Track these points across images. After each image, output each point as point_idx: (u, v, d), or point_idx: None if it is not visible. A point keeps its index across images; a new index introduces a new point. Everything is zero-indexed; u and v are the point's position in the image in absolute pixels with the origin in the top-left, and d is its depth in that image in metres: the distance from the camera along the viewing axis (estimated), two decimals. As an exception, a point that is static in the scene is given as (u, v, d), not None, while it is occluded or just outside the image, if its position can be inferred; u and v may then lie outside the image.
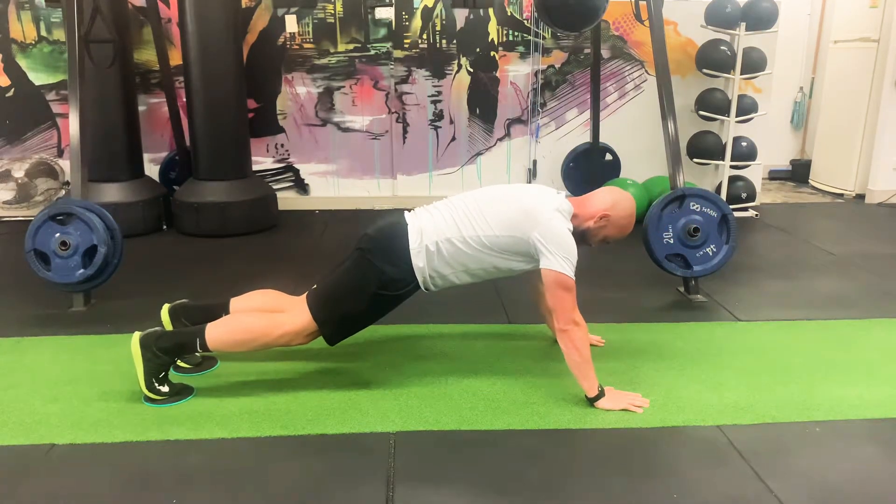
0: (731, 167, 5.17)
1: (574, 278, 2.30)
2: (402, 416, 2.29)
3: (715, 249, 3.32)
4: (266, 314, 2.46)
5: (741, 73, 4.99)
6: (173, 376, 2.44)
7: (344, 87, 5.28)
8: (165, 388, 2.36)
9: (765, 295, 3.51)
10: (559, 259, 2.28)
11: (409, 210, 2.50)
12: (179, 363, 2.57)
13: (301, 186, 5.46)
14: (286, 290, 2.71)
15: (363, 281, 2.38)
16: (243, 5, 4.99)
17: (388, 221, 2.48)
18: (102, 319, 3.12)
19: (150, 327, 2.38)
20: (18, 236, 3.67)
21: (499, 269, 2.44)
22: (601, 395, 2.34)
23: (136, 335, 2.35)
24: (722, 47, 5.02)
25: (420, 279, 2.39)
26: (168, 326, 2.61)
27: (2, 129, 5.14)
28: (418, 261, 2.36)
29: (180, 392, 2.39)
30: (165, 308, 2.65)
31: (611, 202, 2.46)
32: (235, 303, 2.62)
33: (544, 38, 5.27)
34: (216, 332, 2.35)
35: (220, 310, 2.58)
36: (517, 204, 2.40)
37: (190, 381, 2.49)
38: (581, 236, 2.43)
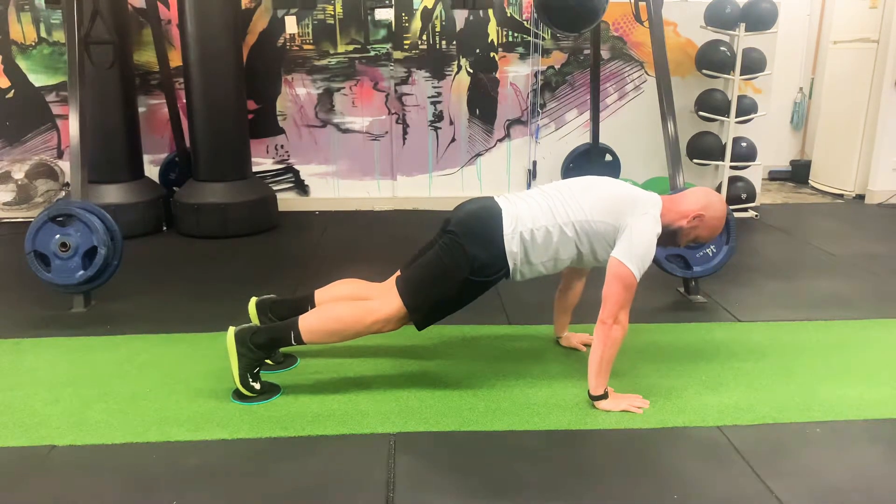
0: (731, 168, 5.18)
1: (638, 281, 2.28)
2: (402, 417, 2.29)
3: (715, 250, 3.32)
4: (357, 303, 2.44)
5: (741, 74, 4.99)
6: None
7: (344, 88, 5.29)
8: (258, 386, 2.36)
9: (765, 295, 3.51)
10: (633, 256, 2.26)
11: (498, 195, 2.47)
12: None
13: (301, 187, 5.46)
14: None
15: (454, 266, 2.33)
16: (243, 7, 4.99)
17: (479, 205, 2.43)
18: (102, 321, 3.12)
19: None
20: (18, 238, 3.67)
21: (583, 259, 2.42)
22: (604, 396, 2.34)
23: (232, 330, 2.34)
24: (722, 48, 5.02)
25: (511, 266, 2.36)
26: (255, 321, 2.60)
27: (2, 131, 5.14)
28: (512, 246, 2.33)
29: (269, 390, 2.40)
30: (252, 302, 2.65)
31: (705, 202, 2.44)
32: (320, 294, 2.61)
33: (544, 39, 5.27)
34: (309, 324, 2.34)
35: (306, 303, 2.57)
36: (618, 191, 2.40)
37: (276, 380, 2.48)
38: (671, 235, 2.42)
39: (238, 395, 2.36)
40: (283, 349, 2.54)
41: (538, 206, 2.37)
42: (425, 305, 2.37)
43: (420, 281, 2.38)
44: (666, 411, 2.33)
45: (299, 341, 2.35)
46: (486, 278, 2.36)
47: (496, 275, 2.37)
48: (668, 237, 2.41)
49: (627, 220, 2.31)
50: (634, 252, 2.27)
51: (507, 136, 5.44)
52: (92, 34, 3.92)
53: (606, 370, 2.33)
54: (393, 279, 2.48)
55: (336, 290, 2.62)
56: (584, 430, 2.22)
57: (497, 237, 2.33)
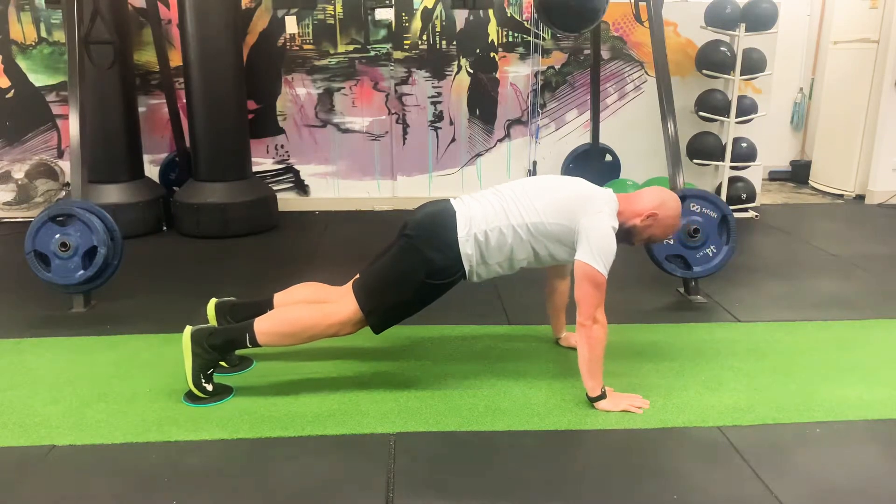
0: (731, 168, 5.18)
1: (606, 277, 2.29)
2: (402, 417, 2.29)
3: (715, 250, 3.32)
4: (313, 305, 2.45)
5: (741, 74, 4.99)
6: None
7: (344, 88, 5.29)
8: (210, 387, 2.36)
9: (765, 296, 3.51)
10: (596, 254, 2.27)
11: (454, 197, 2.48)
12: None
13: (301, 187, 5.46)
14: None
15: (410, 269, 2.35)
16: (243, 6, 4.99)
17: (434, 208, 2.44)
18: (102, 320, 3.12)
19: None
20: (18, 237, 3.67)
21: (540, 258, 2.43)
22: (602, 396, 2.34)
23: (188, 329, 2.34)
24: (722, 48, 5.02)
25: (467, 268, 2.37)
26: (213, 322, 2.60)
27: (2, 131, 5.14)
28: (467, 248, 2.34)
29: (222, 392, 2.39)
30: (212, 303, 2.65)
31: (659, 201, 2.46)
32: (279, 297, 2.61)
33: (544, 39, 5.27)
34: (265, 327, 2.34)
35: (266, 306, 2.57)
36: (570, 191, 2.40)
37: (231, 382, 2.47)
38: (626, 234, 2.43)
39: (190, 397, 2.36)
40: (239, 352, 2.53)
41: (492, 207, 2.38)
42: (381, 309, 2.37)
43: (376, 284, 2.39)
44: (666, 411, 2.33)
45: (254, 343, 2.35)
46: (442, 281, 2.38)
47: (452, 277, 2.38)
48: (623, 235, 2.42)
49: (581, 220, 2.31)
50: (596, 251, 2.28)
51: (507, 136, 5.44)
52: (92, 34, 3.92)
53: (598, 370, 2.33)
54: (351, 283, 2.47)
55: (295, 294, 2.61)
56: (584, 430, 2.22)
57: (452, 240, 2.34)
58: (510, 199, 2.39)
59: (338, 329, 2.37)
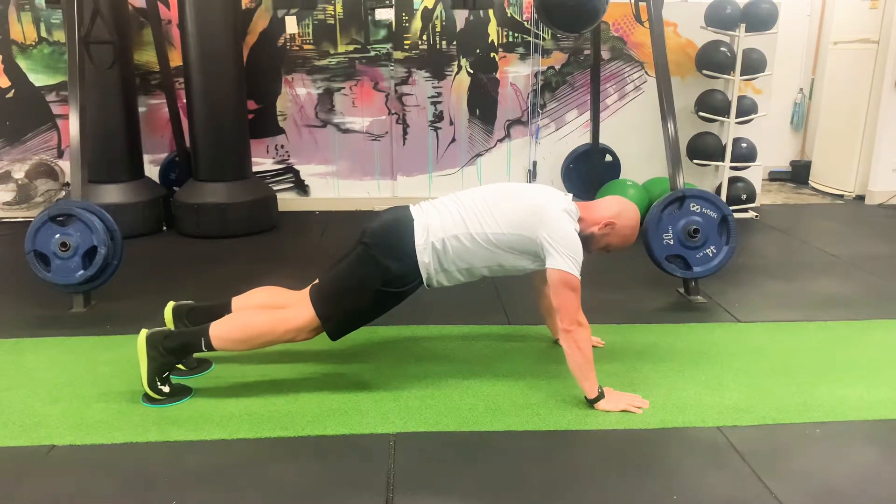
0: (731, 168, 5.18)
1: (580, 278, 2.30)
2: (402, 417, 2.29)
3: (715, 250, 3.32)
4: (269, 311, 2.45)
5: (741, 75, 4.99)
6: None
7: (344, 88, 5.29)
8: (166, 389, 2.36)
9: (765, 296, 3.51)
10: (566, 259, 2.28)
11: (413, 204, 2.48)
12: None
13: (301, 187, 5.46)
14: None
15: (366, 277, 2.35)
16: (243, 6, 4.99)
17: (392, 216, 2.44)
18: (102, 320, 3.12)
19: (149, 328, 2.38)
20: (18, 237, 3.67)
21: (504, 268, 2.44)
22: (601, 396, 2.34)
23: (144, 332, 2.34)
24: (722, 48, 5.02)
25: (424, 276, 2.38)
26: (170, 325, 2.60)
27: (2, 131, 5.14)
28: (424, 257, 2.34)
29: (179, 393, 2.40)
30: (169, 306, 2.64)
31: (617, 210, 2.46)
32: (237, 301, 2.61)
33: (544, 39, 5.27)
34: (220, 331, 2.34)
35: (223, 310, 2.56)
36: (525, 202, 2.39)
37: (189, 383, 2.49)
38: (583, 241, 2.41)
39: (147, 398, 2.36)
40: (196, 355, 2.52)
41: (450, 215, 2.38)
42: (337, 315, 2.37)
43: (333, 291, 2.38)
44: (666, 411, 2.33)
45: (210, 347, 2.34)
46: (399, 289, 2.38)
47: (409, 285, 2.38)
48: (581, 243, 2.40)
49: (540, 231, 2.31)
50: (564, 255, 2.28)
51: (508, 136, 5.44)
52: (92, 34, 3.92)
53: (591, 372, 2.33)
54: (309, 288, 2.46)
55: (253, 299, 2.61)
56: (584, 430, 2.22)
57: (409, 248, 2.33)
58: (469, 208, 2.39)
59: (294, 335, 2.36)
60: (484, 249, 2.36)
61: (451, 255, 2.36)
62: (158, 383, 2.34)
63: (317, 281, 2.47)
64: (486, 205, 2.39)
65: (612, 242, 2.49)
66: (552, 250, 2.29)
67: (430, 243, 2.34)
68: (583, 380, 2.33)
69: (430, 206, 2.45)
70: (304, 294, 2.45)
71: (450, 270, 2.40)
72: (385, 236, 2.39)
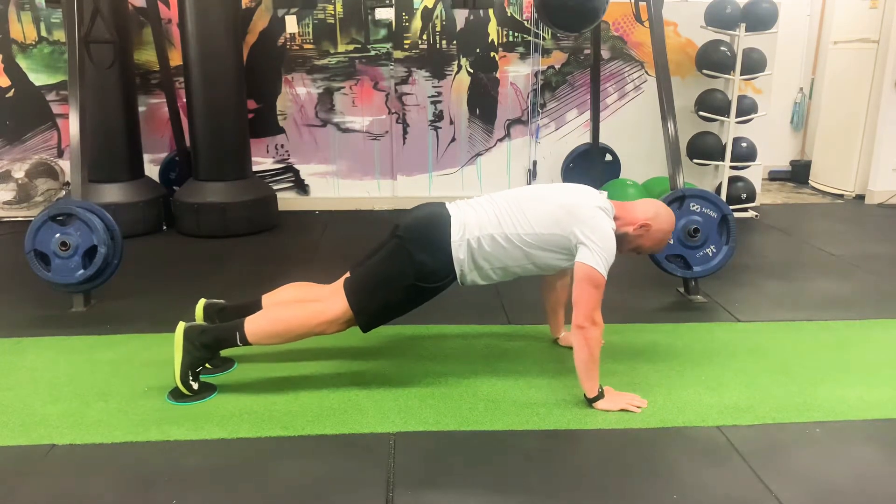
0: (731, 168, 5.18)
1: (606, 278, 2.29)
2: (402, 416, 2.29)
3: (715, 250, 3.32)
4: (302, 304, 2.45)
5: (741, 74, 4.99)
6: None
7: (344, 87, 5.29)
8: (196, 385, 2.36)
9: (765, 296, 3.51)
10: (597, 255, 2.27)
11: (448, 201, 2.47)
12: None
13: (301, 187, 5.46)
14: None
15: (400, 271, 2.35)
16: (243, 6, 4.99)
17: (428, 211, 2.44)
18: (102, 320, 3.12)
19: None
20: (18, 237, 3.68)
21: (538, 267, 2.43)
22: (600, 396, 2.34)
23: (182, 325, 2.35)
24: (722, 48, 5.02)
25: (458, 272, 2.37)
26: (200, 321, 2.60)
27: (2, 130, 5.14)
28: (459, 253, 2.34)
29: (205, 391, 2.40)
30: (201, 304, 2.65)
31: (654, 213, 2.46)
32: (267, 298, 2.61)
33: (544, 38, 5.27)
34: (255, 325, 2.35)
35: (254, 308, 2.56)
36: (559, 201, 2.39)
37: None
38: (616, 241, 2.41)
39: (175, 395, 2.36)
40: (225, 351, 2.52)
41: (486, 214, 2.38)
42: (370, 308, 2.37)
43: (366, 284, 2.38)
44: (666, 411, 2.33)
45: (244, 342, 2.35)
46: (432, 284, 2.37)
47: (443, 281, 2.38)
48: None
49: (575, 228, 2.30)
50: (596, 251, 2.27)
51: (508, 135, 5.44)
52: (92, 33, 3.92)
53: (595, 371, 2.33)
54: (341, 281, 2.47)
55: (283, 294, 2.61)
56: (584, 430, 2.22)
57: (444, 244, 2.33)
58: (504, 208, 2.39)
59: (326, 327, 2.37)
60: (518, 250, 2.36)
61: (486, 254, 2.36)
62: (190, 378, 2.34)
63: (347, 274, 2.48)
64: (520, 205, 2.39)
65: (644, 244, 2.49)
66: (586, 244, 2.28)
67: (465, 240, 2.34)
68: (585, 378, 2.33)
69: (465, 205, 2.44)
70: (335, 287, 2.46)
71: (483, 269, 2.39)
72: (420, 231, 2.38)
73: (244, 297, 2.75)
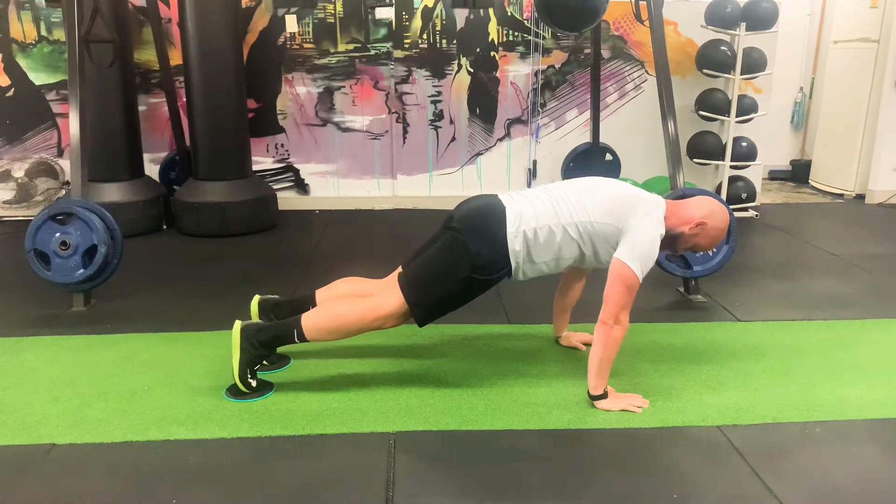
0: (731, 167, 5.17)
1: (640, 281, 2.27)
2: (402, 416, 2.29)
3: (715, 250, 3.32)
4: (358, 299, 2.45)
5: (741, 74, 4.99)
6: None
7: (344, 87, 5.28)
8: (254, 383, 2.37)
9: (765, 295, 3.51)
10: (636, 256, 2.25)
11: (501, 193, 2.46)
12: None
13: (301, 186, 5.46)
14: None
15: (456, 263, 2.33)
16: (243, 5, 4.99)
17: (483, 202, 2.42)
18: (102, 319, 3.12)
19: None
20: (18, 236, 3.67)
21: (585, 259, 2.41)
22: (604, 395, 2.34)
23: (238, 324, 2.35)
24: (722, 47, 5.02)
25: (513, 265, 2.35)
26: (255, 319, 2.60)
27: (2, 129, 5.14)
28: (515, 245, 2.32)
29: (263, 388, 2.41)
30: (255, 300, 2.66)
31: (709, 211, 2.43)
32: (321, 294, 2.62)
33: (544, 38, 5.27)
34: (312, 322, 2.35)
35: (308, 303, 2.57)
36: (619, 192, 2.39)
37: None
38: (671, 240, 2.40)
39: (233, 392, 2.37)
40: (281, 348, 2.54)
41: (542, 205, 2.36)
42: (427, 302, 2.37)
43: (422, 277, 2.38)
44: (666, 411, 2.33)
45: (302, 339, 2.36)
46: (488, 276, 2.35)
47: (498, 273, 2.36)
48: (668, 242, 2.40)
49: (630, 220, 2.30)
50: (637, 252, 2.26)
51: (508, 135, 5.44)
52: (92, 33, 3.92)
53: (606, 370, 2.33)
54: (394, 275, 2.48)
55: (337, 289, 2.62)
56: (584, 430, 2.22)
57: (500, 235, 2.32)
58: (560, 198, 2.38)
59: (383, 322, 2.37)
60: (573, 240, 2.34)
61: (541, 245, 2.34)
62: (249, 376, 2.35)
63: (400, 269, 2.48)
64: (577, 194, 2.38)
65: (700, 243, 2.47)
66: (629, 242, 2.27)
67: (521, 231, 2.32)
68: (594, 374, 2.32)
69: (520, 196, 2.43)
70: (389, 282, 2.47)
71: (537, 262, 2.38)
72: (476, 222, 2.37)
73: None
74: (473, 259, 2.31)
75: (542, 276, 2.45)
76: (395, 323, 2.39)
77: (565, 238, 2.34)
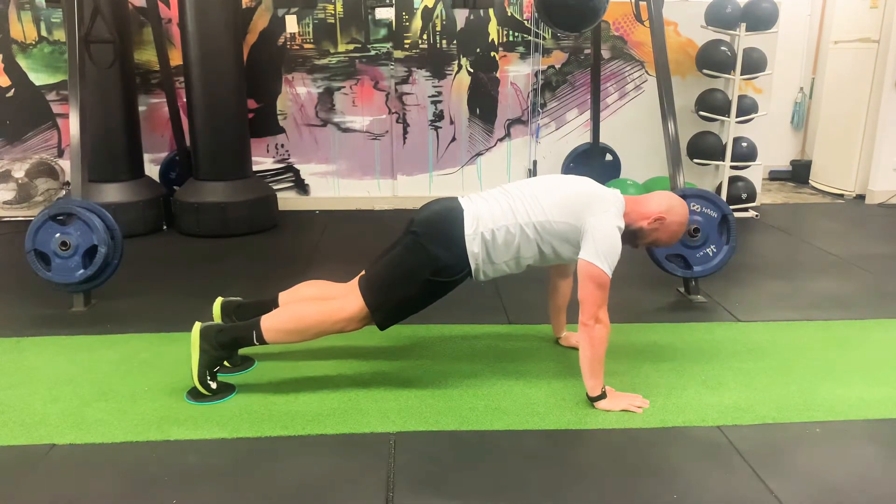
0: (732, 167, 5.18)
1: (610, 277, 2.28)
2: (402, 416, 2.29)
3: (715, 250, 3.32)
4: (319, 302, 2.45)
5: (741, 74, 4.99)
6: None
7: (344, 87, 5.29)
8: (214, 385, 2.36)
9: (765, 295, 3.51)
10: (600, 254, 2.27)
11: (461, 195, 2.47)
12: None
13: (301, 187, 5.46)
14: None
15: (416, 266, 2.35)
16: (243, 5, 4.99)
17: (441, 206, 2.44)
18: (102, 319, 3.12)
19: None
20: (19, 236, 3.68)
21: (545, 257, 2.42)
22: (602, 396, 2.34)
23: (198, 325, 2.35)
24: (722, 48, 5.02)
25: (473, 266, 2.36)
26: (217, 320, 2.60)
27: (2, 130, 5.14)
28: (473, 247, 2.33)
29: (224, 390, 2.40)
30: (218, 302, 2.65)
31: (667, 206, 2.45)
32: (284, 296, 2.61)
33: (544, 38, 5.27)
34: (271, 323, 2.35)
35: (271, 305, 2.56)
36: (577, 190, 2.40)
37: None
38: (631, 236, 2.42)
39: (193, 394, 2.36)
40: (242, 350, 2.52)
41: (499, 206, 2.38)
42: (387, 305, 2.37)
43: (382, 281, 2.38)
44: (666, 411, 2.33)
45: (261, 341, 2.35)
46: (448, 279, 2.37)
47: (458, 275, 2.37)
48: (627, 237, 2.41)
49: (588, 219, 2.31)
50: (601, 250, 2.27)
51: (508, 135, 5.44)
52: (92, 33, 3.92)
53: (599, 370, 2.33)
54: (357, 279, 2.47)
55: (300, 292, 2.61)
56: (584, 430, 2.22)
57: (459, 238, 2.33)
58: (517, 198, 2.39)
59: (344, 325, 2.37)
60: (531, 240, 2.36)
61: (499, 246, 2.35)
62: (208, 378, 2.34)
63: (363, 272, 2.47)
64: (535, 194, 2.39)
65: (660, 238, 2.49)
66: (591, 241, 2.28)
67: (479, 233, 2.33)
68: (589, 376, 2.33)
69: (478, 198, 2.44)
70: (352, 285, 2.46)
71: (496, 262, 2.39)
72: (435, 225, 2.38)
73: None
74: (433, 262, 2.33)
75: (504, 275, 2.46)
76: (356, 326, 2.39)
77: (523, 238, 2.35)
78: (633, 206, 2.43)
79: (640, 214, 2.43)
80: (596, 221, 2.30)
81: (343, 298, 2.41)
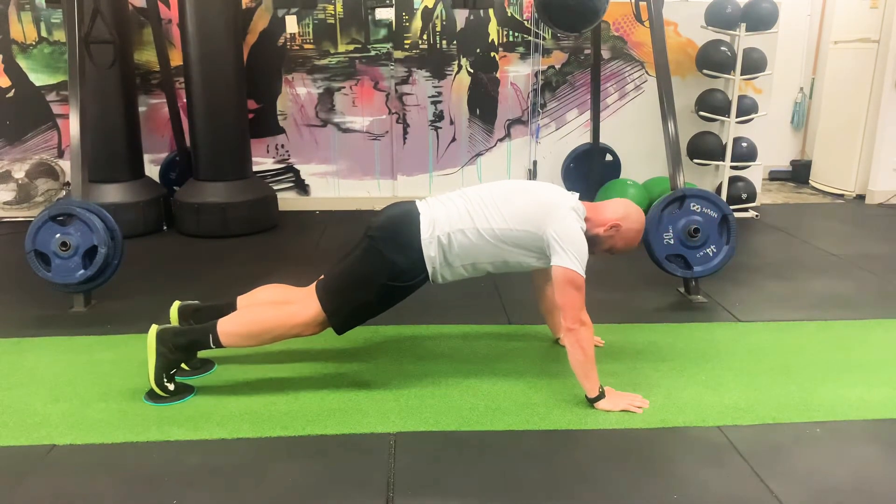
0: (732, 168, 5.17)
1: (584, 277, 2.30)
2: (403, 416, 2.29)
3: (715, 250, 3.32)
4: (276, 306, 2.45)
5: (741, 74, 4.99)
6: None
7: (344, 87, 5.29)
8: (171, 387, 2.36)
9: (765, 295, 3.51)
10: (571, 257, 2.27)
11: (420, 199, 2.48)
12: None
13: (301, 187, 5.46)
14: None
15: (373, 271, 2.35)
16: (244, 6, 4.99)
17: (398, 210, 2.45)
18: (103, 320, 3.12)
19: (149, 328, 2.37)
20: (19, 237, 3.68)
21: (508, 265, 2.43)
22: (601, 395, 2.34)
23: (154, 328, 2.34)
24: (722, 48, 5.02)
25: (430, 270, 2.37)
26: (175, 324, 2.60)
27: (2, 130, 5.14)
28: (430, 251, 2.34)
29: (182, 392, 2.40)
30: (175, 306, 2.64)
31: (623, 213, 2.46)
32: (243, 300, 2.61)
33: (544, 38, 5.27)
34: (228, 328, 2.34)
35: (229, 309, 2.55)
36: (534, 198, 2.39)
37: (191, 383, 2.48)
38: (589, 242, 2.41)
39: (151, 396, 2.36)
40: (201, 354, 2.51)
41: (456, 210, 2.38)
42: (343, 310, 2.37)
43: (339, 286, 2.38)
44: (666, 411, 2.33)
45: (217, 344, 2.34)
46: (405, 283, 2.37)
47: (415, 279, 2.38)
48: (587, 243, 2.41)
49: (548, 228, 2.31)
50: (571, 252, 2.28)
51: (508, 135, 5.44)
52: (92, 33, 3.92)
53: (592, 371, 2.33)
54: (315, 284, 2.47)
55: (258, 296, 2.61)
56: (584, 430, 2.22)
57: (415, 242, 2.34)
58: (476, 203, 2.39)
59: (301, 329, 2.36)
60: (490, 245, 2.36)
61: (456, 250, 2.36)
62: (165, 380, 2.34)
63: (322, 276, 2.47)
64: (494, 200, 2.39)
65: (616, 245, 2.49)
66: (558, 248, 2.29)
67: (435, 237, 2.34)
68: (584, 379, 2.34)
69: (436, 201, 2.45)
70: (310, 290, 2.45)
71: (454, 265, 2.39)
72: (391, 230, 2.39)
73: (210, 300, 2.73)
74: (390, 266, 2.33)
75: (462, 279, 2.46)
76: (313, 331, 2.38)
77: (481, 242, 2.35)
78: (592, 213, 2.45)
79: (597, 222, 2.44)
80: (558, 227, 2.31)
81: (300, 303, 2.40)
